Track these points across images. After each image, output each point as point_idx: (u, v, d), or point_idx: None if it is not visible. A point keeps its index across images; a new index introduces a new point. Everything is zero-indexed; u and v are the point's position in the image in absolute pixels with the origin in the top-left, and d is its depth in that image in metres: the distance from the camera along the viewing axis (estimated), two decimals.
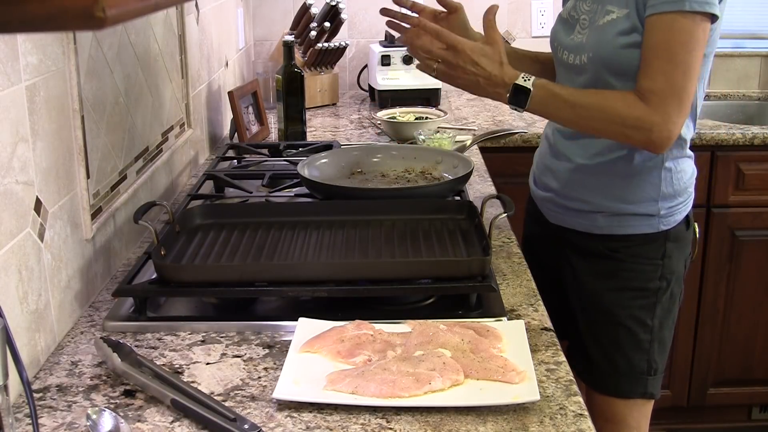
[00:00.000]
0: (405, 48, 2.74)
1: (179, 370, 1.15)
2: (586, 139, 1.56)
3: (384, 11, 1.63)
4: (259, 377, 1.13)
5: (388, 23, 1.64)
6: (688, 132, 1.54)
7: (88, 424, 0.98)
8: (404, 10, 1.62)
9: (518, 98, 1.43)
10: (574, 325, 1.66)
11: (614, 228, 1.57)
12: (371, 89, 2.95)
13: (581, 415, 1.03)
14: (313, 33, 2.70)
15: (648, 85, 1.38)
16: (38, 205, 1.15)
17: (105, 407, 1.03)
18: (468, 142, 2.10)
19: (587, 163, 1.57)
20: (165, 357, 1.19)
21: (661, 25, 1.37)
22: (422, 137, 2.15)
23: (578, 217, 1.61)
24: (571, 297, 1.66)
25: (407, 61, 2.78)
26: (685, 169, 1.58)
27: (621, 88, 1.46)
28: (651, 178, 1.54)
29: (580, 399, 1.07)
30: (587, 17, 1.51)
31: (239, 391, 1.09)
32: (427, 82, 2.77)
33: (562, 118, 1.49)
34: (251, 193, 1.75)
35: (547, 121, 1.68)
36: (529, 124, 2.58)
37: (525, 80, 1.43)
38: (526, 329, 1.21)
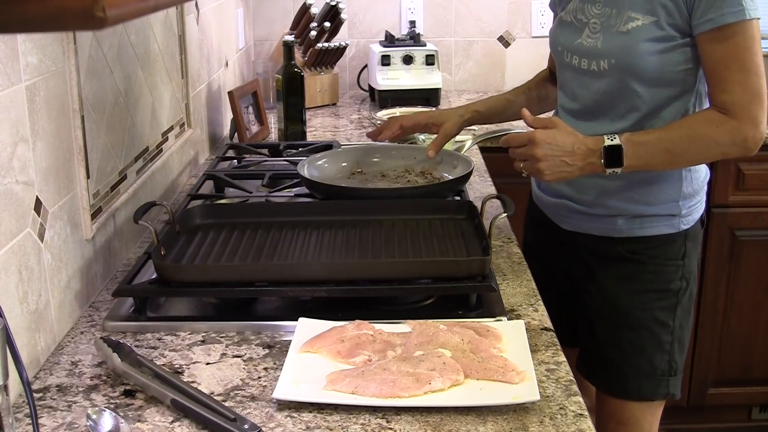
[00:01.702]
0: (405, 47, 2.79)
1: (179, 370, 1.15)
2: None
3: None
4: (259, 377, 1.13)
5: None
6: None
7: (88, 424, 0.98)
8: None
9: (613, 160, 1.41)
10: (588, 331, 1.65)
11: (635, 230, 1.56)
12: (371, 89, 2.95)
13: (581, 415, 1.03)
14: (313, 33, 2.70)
15: (728, 98, 1.40)
16: (38, 205, 1.15)
17: (105, 407, 1.03)
18: (468, 142, 2.10)
19: None
20: (165, 357, 1.19)
21: (723, 37, 1.38)
22: (422, 137, 2.14)
23: (596, 222, 1.59)
24: (588, 302, 1.65)
25: (407, 60, 2.78)
26: (700, 168, 1.59)
27: (645, 93, 1.46)
28: (672, 179, 1.54)
29: (580, 399, 1.07)
30: (598, 21, 1.49)
31: (239, 391, 1.09)
32: (427, 81, 2.78)
33: (657, 163, 1.47)
34: (251, 193, 1.75)
35: None
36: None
37: (611, 139, 1.41)
38: (526, 329, 1.21)
